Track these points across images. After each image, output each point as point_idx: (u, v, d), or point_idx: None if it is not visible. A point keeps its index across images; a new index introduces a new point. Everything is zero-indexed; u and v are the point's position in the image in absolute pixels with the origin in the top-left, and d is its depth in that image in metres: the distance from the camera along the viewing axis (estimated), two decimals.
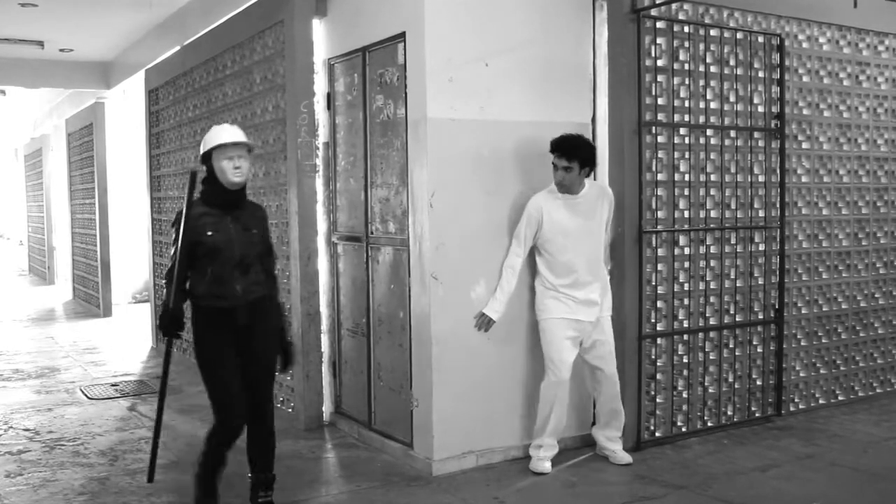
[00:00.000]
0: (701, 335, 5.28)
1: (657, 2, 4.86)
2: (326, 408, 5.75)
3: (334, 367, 5.73)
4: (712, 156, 5.27)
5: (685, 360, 5.23)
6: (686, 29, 5.14)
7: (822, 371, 5.93)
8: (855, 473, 4.63)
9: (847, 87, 5.99)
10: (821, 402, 5.92)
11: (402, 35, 4.72)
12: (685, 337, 5.23)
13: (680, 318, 5.19)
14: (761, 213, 5.50)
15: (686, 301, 5.22)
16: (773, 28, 5.56)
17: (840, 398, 6.02)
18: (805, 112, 5.78)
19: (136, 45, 9.56)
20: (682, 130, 5.16)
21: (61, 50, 10.13)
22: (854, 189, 6.06)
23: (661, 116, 5.04)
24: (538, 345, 4.76)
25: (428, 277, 4.59)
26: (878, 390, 6.23)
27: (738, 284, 5.42)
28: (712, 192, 5.28)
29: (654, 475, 4.57)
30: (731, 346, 5.42)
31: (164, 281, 3.90)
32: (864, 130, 6.11)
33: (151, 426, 5.76)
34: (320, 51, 5.62)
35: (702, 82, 5.20)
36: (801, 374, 5.82)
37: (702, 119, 5.22)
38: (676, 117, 5.12)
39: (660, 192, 5.06)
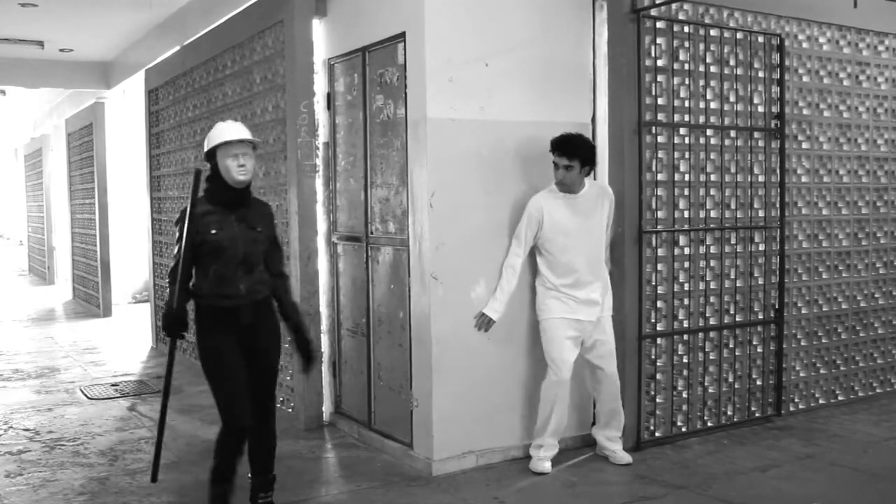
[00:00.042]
0: (701, 335, 5.28)
1: (657, 2, 4.86)
2: (326, 408, 5.75)
3: (334, 367, 5.73)
4: (712, 156, 5.27)
5: (685, 360, 5.23)
6: (686, 29, 5.14)
7: (822, 371, 5.93)
8: (855, 473, 4.63)
9: (847, 87, 5.99)
10: (821, 402, 5.92)
11: (402, 35, 4.72)
12: (685, 337, 5.23)
13: (680, 318, 5.19)
14: (761, 213, 5.50)
15: (686, 301, 5.22)
16: (773, 28, 5.56)
17: (840, 398, 6.02)
18: (805, 112, 5.78)
19: (136, 45, 9.56)
20: (682, 130, 5.16)
21: (61, 50, 10.13)
22: (854, 189, 6.06)
23: (661, 116, 5.04)
24: (538, 345, 4.76)
25: (428, 277, 4.59)
26: (878, 390, 6.23)
27: (738, 284, 5.42)
28: (712, 192, 5.28)
29: (654, 475, 4.57)
30: (731, 346, 5.42)
31: (167, 280, 3.88)
32: (864, 130, 6.11)
33: (151, 426, 5.78)
34: (320, 51, 5.62)
35: (702, 82, 5.20)
36: (801, 374, 5.82)
37: (702, 119, 5.22)
38: (676, 117, 5.12)
39: (660, 192, 5.06)
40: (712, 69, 5.24)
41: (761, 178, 5.49)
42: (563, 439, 4.83)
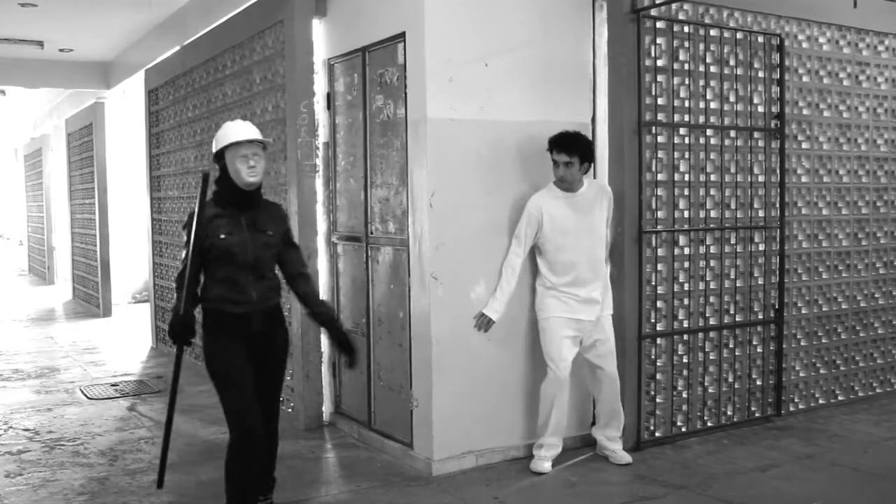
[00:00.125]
0: (701, 335, 5.28)
1: (657, 2, 4.86)
2: (326, 408, 5.75)
3: (334, 367, 5.73)
4: (712, 156, 5.27)
5: (685, 360, 5.23)
6: (686, 29, 5.14)
7: (821, 371, 5.93)
8: (855, 473, 4.63)
9: (847, 87, 5.99)
10: (821, 402, 5.92)
11: (402, 35, 4.72)
12: (685, 337, 5.23)
13: (680, 318, 5.19)
14: (761, 213, 5.50)
15: (686, 301, 5.21)
16: (773, 28, 5.56)
17: (840, 398, 6.02)
18: (805, 112, 5.78)
19: (136, 45, 9.56)
20: (682, 130, 5.16)
21: (61, 50, 10.13)
22: (854, 189, 6.06)
23: (661, 116, 5.04)
24: (538, 345, 4.76)
25: (428, 277, 4.59)
26: (877, 390, 6.23)
27: (737, 284, 5.42)
28: (712, 192, 5.28)
29: (654, 475, 4.57)
30: (730, 346, 5.42)
31: (174, 285, 3.73)
32: (864, 130, 6.11)
33: (151, 426, 5.79)
34: (320, 51, 5.62)
35: (702, 82, 5.20)
36: (801, 374, 5.82)
37: (702, 119, 5.22)
38: (676, 117, 5.12)
39: (660, 192, 5.06)
40: (712, 69, 5.24)
41: (761, 178, 5.49)
42: (562, 439, 4.83)
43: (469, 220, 4.68)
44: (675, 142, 5.13)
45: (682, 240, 5.17)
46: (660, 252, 5.07)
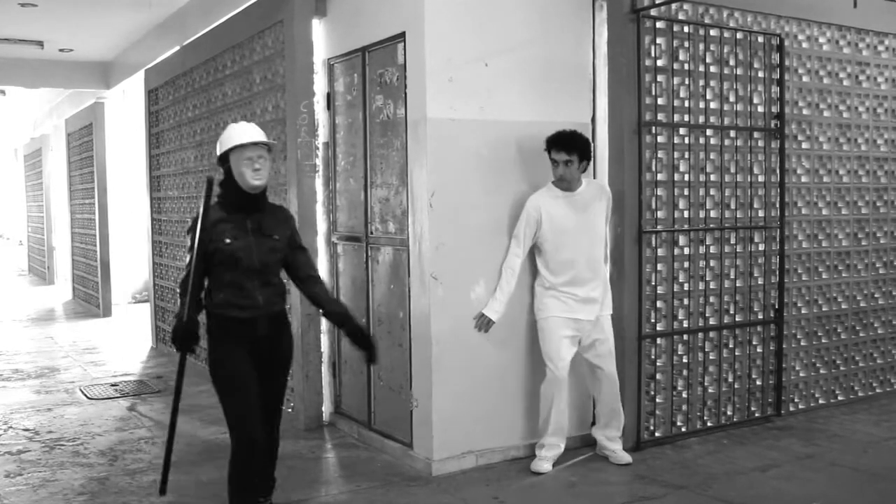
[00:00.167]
0: (701, 335, 5.28)
1: (657, 2, 4.86)
2: (326, 408, 5.75)
3: (334, 367, 5.73)
4: (712, 156, 5.27)
5: (685, 360, 5.23)
6: (686, 29, 5.14)
7: (821, 371, 5.93)
8: (855, 473, 4.63)
9: (847, 87, 5.99)
10: (821, 402, 5.92)
11: (402, 35, 4.72)
12: (685, 337, 5.23)
13: (680, 318, 5.19)
14: (761, 213, 5.50)
15: (686, 301, 5.21)
16: (773, 28, 5.56)
17: (840, 398, 6.02)
18: (805, 112, 5.78)
19: (136, 45, 9.56)
20: (682, 130, 5.16)
21: (61, 50, 10.13)
22: (854, 189, 6.06)
23: (660, 116, 5.04)
24: (538, 344, 4.75)
25: (428, 277, 4.59)
26: (877, 390, 6.23)
27: (737, 284, 5.42)
28: (712, 192, 5.28)
29: (654, 475, 4.57)
30: (730, 346, 5.42)
31: (178, 290, 3.64)
32: (864, 130, 6.11)
33: (151, 426, 5.79)
34: (320, 51, 5.62)
35: (701, 82, 5.20)
36: (801, 374, 5.82)
37: (701, 119, 5.22)
38: (676, 117, 5.12)
39: (659, 192, 5.06)
40: (712, 69, 5.24)
41: (761, 178, 5.49)
42: (565, 439, 4.82)
43: (469, 220, 4.68)
44: (675, 142, 5.13)
45: (681, 240, 5.17)
46: (660, 252, 5.07)
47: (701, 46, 5.19)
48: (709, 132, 5.25)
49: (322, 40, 5.61)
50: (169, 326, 8.54)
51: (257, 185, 3.54)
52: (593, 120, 5.08)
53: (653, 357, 5.08)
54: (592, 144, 5.05)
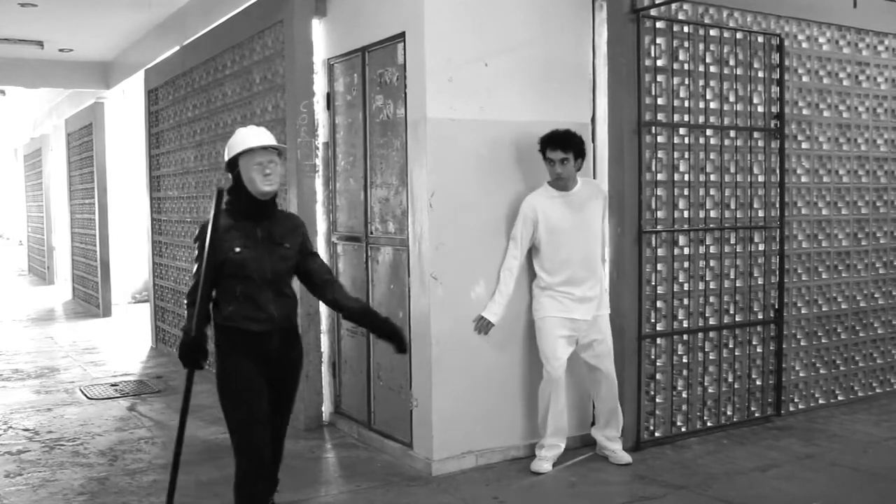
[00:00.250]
0: (700, 335, 5.28)
1: (657, 2, 4.86)
2: (326, 408, 5.74)
3: (334, 367, 5.73)
4: (712, 156, 5.27)
5: (685, 360, 5.23)
6: (686, 29, 5.14)
7: (821, 371, 5.93)
8: (855, 473, 4.63)
9: (846, 87, 5.99)
10: (820, 402, 5.92)
11: (402, 35, 4.72)
12: (685, 337, 5.23)
13: (679, 318, 5.19)
14: (761, 213, 5.50)
15: (686, 301, 5.21)
16: (773, 28, 5.56)
17: (840, 398, 6.02)
18: (805, 112, 5.78)
19: (136, 45, 9.56)
20: (682, 130, 5.16)
21: (61, 50, 10.13)
22: (853, 189, 6.06)
23: (660, 116, 5.04)
24: (537, 345, 4.75)
25: (427, 277, 4.59)
26: (877, 390, 6.23)
27: (737, 284, 5.42)
28: (712, 192, 5.28)
29: (654, 475, 4.57)
30: (730, 346, 5.42)
31: (185, 302, 3.46)
32: (864, 130, 6.11)
33: (151, 426, 5.79)
34: (320, 51, 5.62)
35: (701, 82, 5.20)
36: (801, 374, 5.82)
37: (701, 119, 5.22)
38: (676, 117, 5.12)
39: (659, 192, 5.06)
40: (712, 69, 5.24)
41: (761, 178, 5.49)
42: (565, 439, 4.82)
43: (469, 219, 4.68)
44: (675, 142, 5.13)
45: (681, 240, 5.17)
46: (659, 252, 5.07)
47: (701, 46, 5.19)
48: (709, 132, 5.25)
49: (322, 40, 5.61)
50: (169, 326, 8.54)
51: (268, 191, 3.38)
52: (593, 120, 5.08)
53: (653, 357, 5.08)
54: (592, 144, 5.07)
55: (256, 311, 3.35)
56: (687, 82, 5.16)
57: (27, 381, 7.34)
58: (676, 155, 5.14)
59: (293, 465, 4.85)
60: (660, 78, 5.03)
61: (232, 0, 6.62)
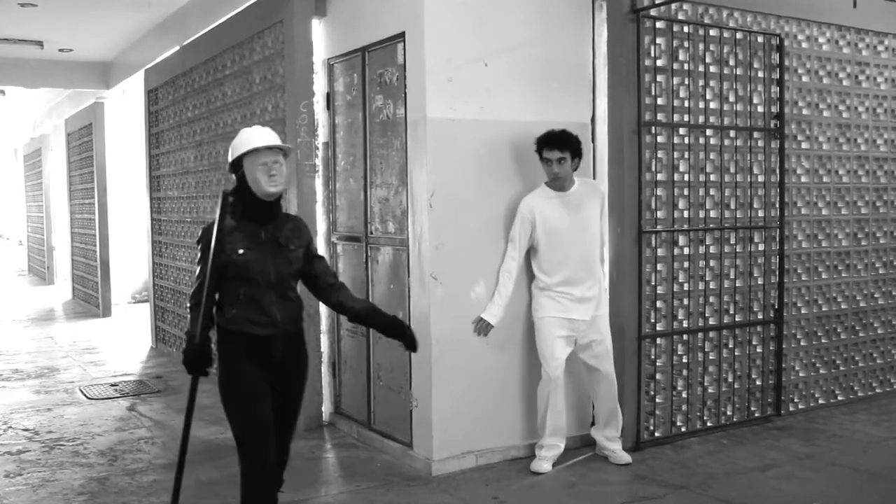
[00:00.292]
0: (700, 335, 5.28)
1: (657, 2, 4.86)
2: (326, 408, 5.74)
3: (334, 367, 5.73)
4: (712, 156, 5.27)
5: (685, 360, 5.23)
6: (685, 29, 5.14)
7: (821, 371, 5.93)
8: (855, 473, 4.63)
9: (846, 87, 5.99)
10: (820, 402, 5.92)
11: (402, 35, 4.72)
12: (685, 337, 5.23)
13: (679, 318, 5.19)
14: (761, 213, 5.50)
15: (685, 301, 5.21)
16: (773, 28, 5.56)
17: (840, 398, 6.02)
18: (804, 112, 5.79)
19: (136, 45, 9.56)
20: (682, 130, 5.16)
21: (61, 50, 10.12)
22: (853, 189, 6.06)
23: (660, 116, 5.04)
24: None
25: (427, 277, 4.59)
26: (877, 390, 6.23)
27: (737, 284, 5.42)
28: (712, 192, 5.28)
29: (654, 475, 4.57)
30: (730, 346, 5.42)
31: (188, 305, 3.39)
32: (864, 130, 6.11)
33: (151, 426, 5.79)
34: (320, 51, 5.62)
35: (701, 82, 5.20)
36: (801, 374, 5.82)
37: (701, 119, 5.22)
38: (676, 117, 5.12)
39: (659, 192, 5.06)
40: (712, 69, 5.24)
41: (761, 178, 5.49)
42: (565, 439, 4.82)
43: (469, 219, 4.68)
44: (675, 142, 5.13)
45: (681, 240, 5.17)
46: (659, 252, 5.07)
47: (701, 46, 5.19)
48: (708, 132, 5.25)
49: (322, 40, 5.61)
50: (169, 326, 8.54)
51: (273, 192, 3.31)
52: (593, 120, 5.08)
53: (652, 357, 5.08)
54: (592, 145, 5.07)
55: (259, 315, 3.28)
56: (687, 82, 5.16)
57: (27, 381, 7.34)
58: (676, 155, 5.14)
59: (293, 464, 4.81)
60: (660, 78, 5.03)
61: (232, 0, 6.62)
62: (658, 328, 5.10)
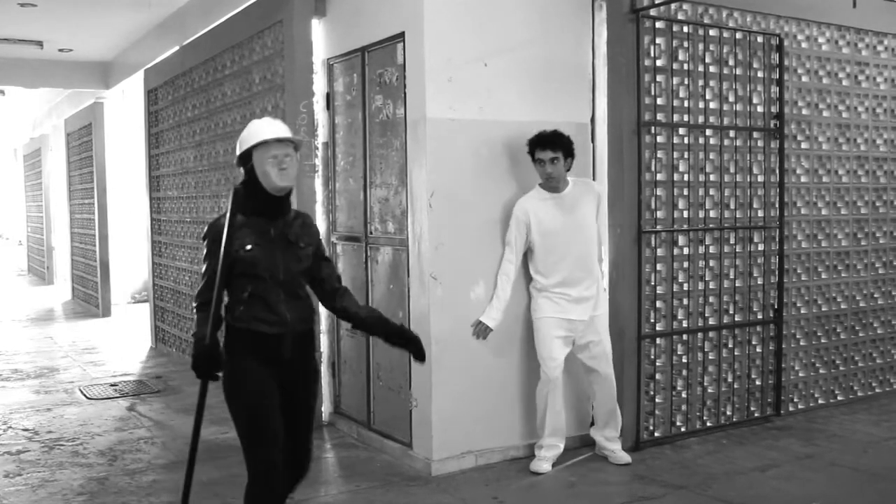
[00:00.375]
0: (700, 335, 5.28)
1: (656, 2, 4.86)
2: (326, 408, 5.75)
3: (333, 368, 5.73)
4: (711, 156, 5.27)
5: (684, 360, 5.23)
6: (685, 29, 5.14)
7: (821, 371, 5.93)
8: (854, 473, 4.63)
9: (846, 87, 5.99)
10: (820, 402, 5.92)
11: (402, 35, 4.72)
12: (684, 337, 5.23)
13: (679, 318, 5.19)
14: (760, 213, 5.50)
15: (685, 301, 5.21)
16: (773, 28, 5.56)
17: (839, 398, 6.02)
18: (804, 112, 5.79)
19: (136, 45, 9.55)
20: (682, 130, 5.16)
21: (60, 50, 10.12)
22: (853, 189, 6.06)
23: (660, 116, 5.04)
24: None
25: (427, 277, 4.59)
26: (877, 390, 6.23)
27: (737, 284, 5.42)
28: (711, 192, 5.28)
29: (654, 475, 4.57)
30: (730, 346, 5.42)
31: (194, 305, 3.25)
32: (863, 130, 6.11)
33: (151, 426, 5.79)
34: (319, 51, 5.62)
35: (701, 82, 5.20)
36: (801, 374, 5.82)
37: (701, 119, 5.22)
38: (675, 117, 5.12)
39: (659, 192, 5.06)
40: (711, 69, 5.24)
41: (760, 178, 5.49)
42: (564, 439, 4.82)
43: (468, 219, 4.68)
44: (675, 142, 5.13)
45: (681, 240, 5.17)
46: (659, 252, 5.07)
47: (700, 46, 5.19)
48: (708, 132, 5.25)
49: (321, 40, 5.61)
50: (169, 326, 8.54)
51: (284, 187, 3.17)
52: (592, 120, 5.08)
53: (652, 357, 5.08)
54: (592, 145, 5.08)
55: (267, 313, 3.15)
56: (686, 82, 5.16)
57: (27, 381, 7.34)
58: (676, 155, 5.14)
59: None
60: (659, 78, 5.03)
61: (231, 0, 6.62)
62: (658, 328, 5.10)
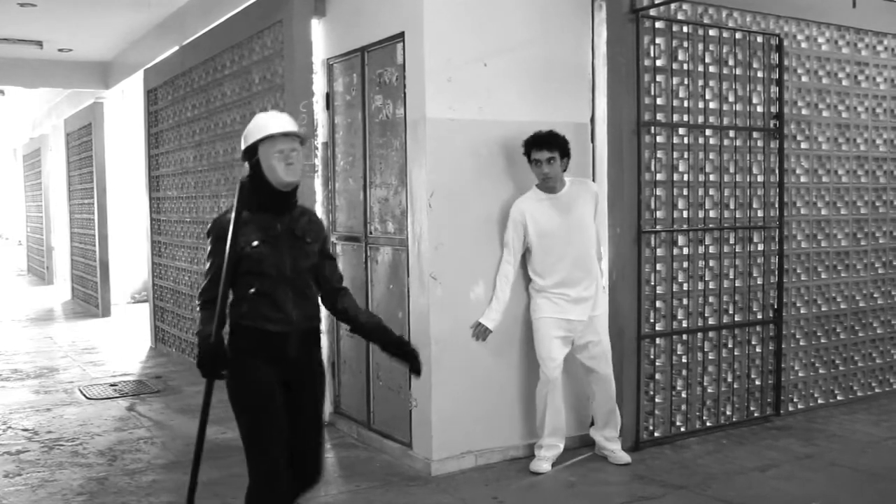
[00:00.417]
0: (700, 335, 5.28)
1: (656, 2, 4.86)
2: (326, 408, 5.72)
3: (333, 368, 5.73)
4: (711, 156, 5.28)
5: (684, 360, 5.23)
6: (685, 29, 5.14)
7: (820, 371, 5.93)
8: (854, 473, 4.63)
9: (846, 87, 5.99)
10: (819, 402, 5.92)
11: (402, 35, 4.72)
12: (684, 337, 5.23)
13: (679, 318, 5.19)
14: (760, 213, 5.50)
15: (685, 301, 5.22)
16: (772, 28, 5.56)
17: (839, 398, 6.02)
18: (804, 112, 5.79)
19: (135, 45, 9.55)
20: (681, 130, 5.16)
21: (60, 50, 10.12)
22: (853, 189, 6.06)
23: (660, 116, 5.05)
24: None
25: (427, 277, 4.59)
26: (876, 390, 6.23)
27: (736, 284, 5.42)
28: (711, 192, 5.28)
29: (653, 475, 4.57)
30: (729, 345, 5.42)
31: (197, 303, 3.19)
32: (863, 130, 6.11)
33: (150, 426, 5.79)
34: (319, 51, 5.62)
35: (701, 82, 5.20)
36: (800, 374, 5.83)
37: (701, 119, 5.22)
38: (675, 117, 5.12)
39: (659, 192, 5.06)
40: (711, 69, 5.24)
41: (760, 178, 5.49)
42: (564, 439, 4.82)
43: (468, 219, 4.68)
44: (674, 142, 5.13)
45: (681, 240, 5.17)
46: (659, 252, 5.07)
47: (700, 46, 5.20)
48: (708, 132, 5.26)
49: (321, 40, 5.61)
50: (168, 326, 8.54)
51: (291, 182, 3.11)
52: (592, 120, 5.09)
53: (652, 357, 5.08)
54: (592, 145, 5.08)
55: (273, 311, 3.10)
56: (686, 82, 5.16)
57: (26, 381, 7.34)
58: (676, 155, 5.14)
59: None
60: (659, 78, 5.03)
61: (231, 0, 6.62)
62: (657, 328, 5.10)
